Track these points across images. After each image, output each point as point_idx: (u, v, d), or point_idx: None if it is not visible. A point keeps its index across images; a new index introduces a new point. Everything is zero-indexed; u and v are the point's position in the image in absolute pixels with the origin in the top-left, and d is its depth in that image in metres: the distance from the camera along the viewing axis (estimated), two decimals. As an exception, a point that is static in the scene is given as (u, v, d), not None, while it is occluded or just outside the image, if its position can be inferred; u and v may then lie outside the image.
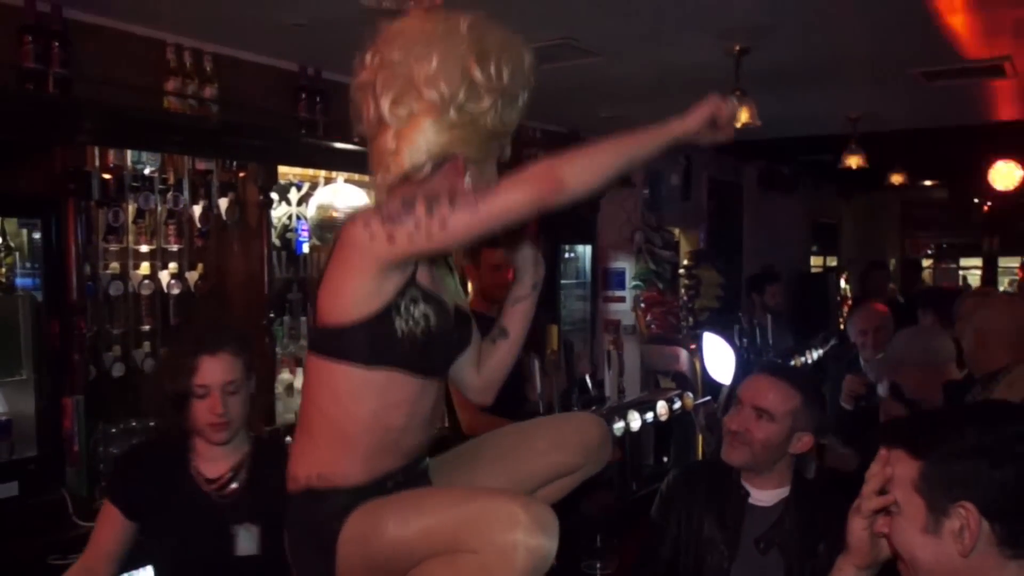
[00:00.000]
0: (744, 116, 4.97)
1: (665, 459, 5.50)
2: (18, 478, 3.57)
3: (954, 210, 13.75)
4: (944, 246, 15.50)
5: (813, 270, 13.00)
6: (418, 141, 1.85)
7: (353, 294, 1.82)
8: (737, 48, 4.85)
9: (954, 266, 15.44)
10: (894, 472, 1.64)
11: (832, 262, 13.84)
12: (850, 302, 11.01)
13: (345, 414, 1.89)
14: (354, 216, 1.84)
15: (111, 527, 2.58)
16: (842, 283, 12.03)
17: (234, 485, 2.58)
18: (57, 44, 3.86)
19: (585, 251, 7.54)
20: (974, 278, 14.37)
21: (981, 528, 1.54)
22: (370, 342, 1.83)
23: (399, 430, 1.93)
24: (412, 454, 2.00)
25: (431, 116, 1.84)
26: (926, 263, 15.24)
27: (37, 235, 3.81)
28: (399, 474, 1.97)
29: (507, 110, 1.90)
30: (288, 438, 3.55)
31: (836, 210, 13.83)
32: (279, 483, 2.17)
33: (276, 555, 2.25)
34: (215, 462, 2.59)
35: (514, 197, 1.71)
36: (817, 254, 13.61)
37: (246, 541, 2.51)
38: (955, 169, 10.73)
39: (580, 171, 1.73)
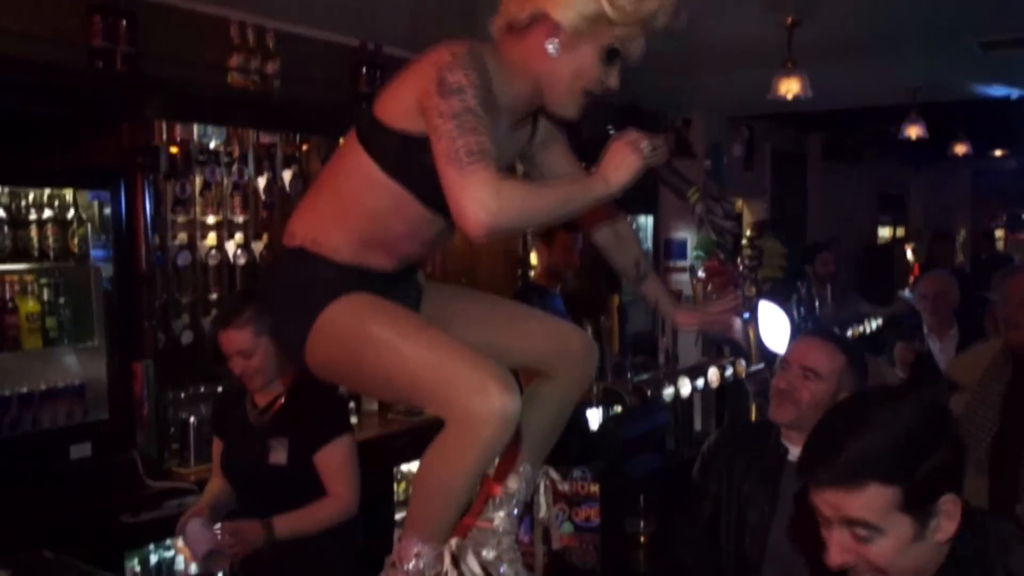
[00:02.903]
0: (795, 87, 4.93)
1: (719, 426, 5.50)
2: (91, 439, 3.71)
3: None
4: (1019, 216, 15.10)
5: (881, 242, 12.80)
6: None
7: (408, 106, 1.85)
8: (789, 20, 4.80)
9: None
10: (867, 504, 1.63)
11: (901, 233, 13.60)
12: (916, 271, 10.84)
13: (355, 198, 1.95)
14: (451, 42, 1.87)
15: (217, 446, 3.28)
16: (909, 254, 11.83)
17: (272, 410, 3.12)
18: (124, 22, 3.94)
19: (647, 221, 7.53)
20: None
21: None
22: (398, 155, 1.88)
23: (397, 236, 1.98)
24: (405, 262, 2.06)
25: None
26: (999, 233, 14.88)
27: (108, 209, 3.93)
28: (387, 277, 2.02)
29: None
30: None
31: (904, 181, 13.59)
32: (308, 413, 3.06)
33: (301, 465, 2.99)
34: (264, 395, 3.15)
35: (450, 176, 1.72)
36: (885, 224, 13.39)
37: (277, 452, 3.02)
38: (1020, 140, 10.48)
39: (514, 205, 1.72)
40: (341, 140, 4.69)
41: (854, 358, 2.79)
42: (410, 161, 1.86)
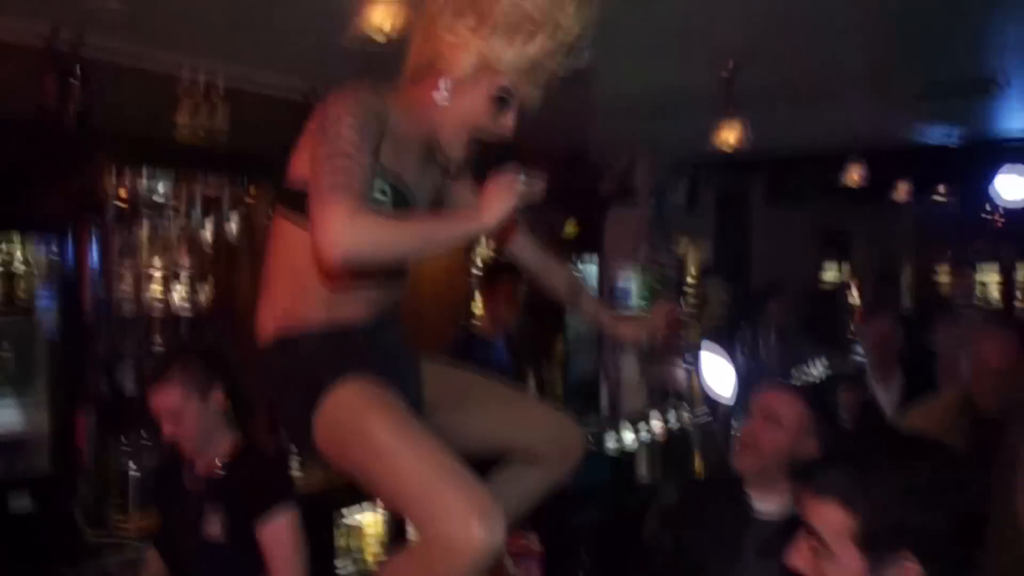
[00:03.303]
0: (734, 136, 5.03)
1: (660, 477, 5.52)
2: (31, 491, 3.70)
3: (967, 221, 13.63)
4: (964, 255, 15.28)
5: (825, 283, 12.95)
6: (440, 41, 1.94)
7: (309, 158, 1.91)
8: (729, 68, 4.90)
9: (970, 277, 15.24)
10: (824, 519, 1.65)
11: (846, 272, 13.76)
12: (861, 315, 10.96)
13: (299, 265, 1.99)
14: (342, 89, 1.94)
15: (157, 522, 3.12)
16: (854, 295, 11.98)
17: (210, 479, 2.90)
18: (73, 79, 3.99)
19: (592, 268, 7.61)
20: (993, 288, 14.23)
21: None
22: None
23: (351, 283, 2.02)
24: (376, 308, 2.10)
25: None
26: (942, 274, 15.08)
27: (55, 256, 3.95)
28: (365, 328, 2.06)
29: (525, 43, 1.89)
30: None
31: (847, 222, 13.77)
32: (248, 479, 2.84)
33: (240, 539, 2.77)
34: (202, 461, 2.92)
35: (311, 208, 1.77)
36: (830, 265, 13.55)
37: (213, 523, 2.81)
38: (961, 181, 10.69)
39: (366, 236, 1.74)
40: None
41: (814, 406, 2.81)
42: None
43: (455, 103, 1.98)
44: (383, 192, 1.96)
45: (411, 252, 1.90)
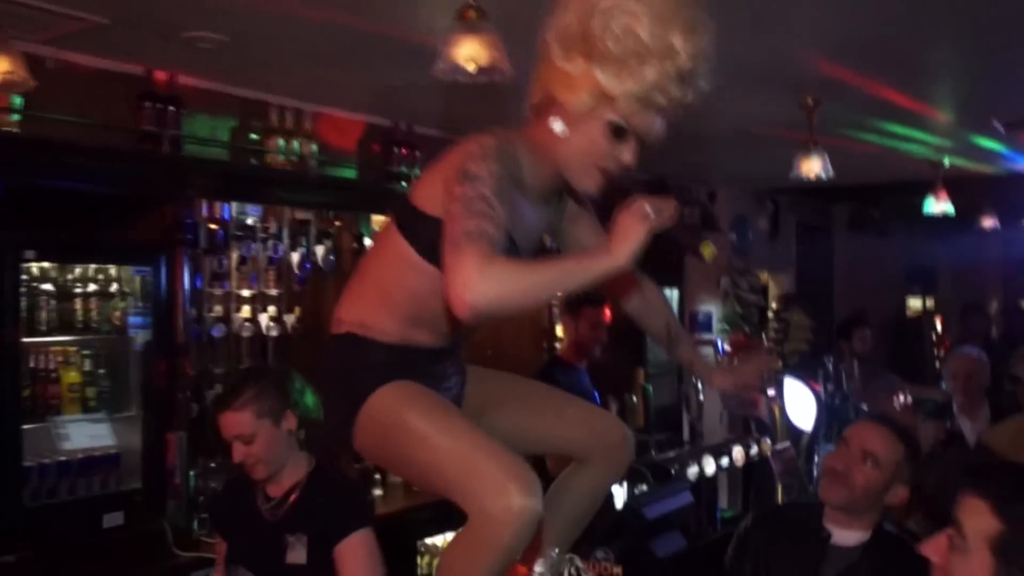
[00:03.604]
0: (816, 167, 5.02)
1: (744, 506, 5.49)
2: (124, 508, 3.81)
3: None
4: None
5: (911, 313, 12.75)
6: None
7: (438, 193, 1.91)
8: (810, 101, 4.91)
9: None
10: (973, 516, 1.64)
11: (931, 304, 13.53)
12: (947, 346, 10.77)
13: (397, 282, 2.03)
14: (480, 134, 1.95)
15: (220, 548, 2.98)
16: (938, 326, 11.76)
17: (287, 504, 2.84)
18: (171, 108, 4.15)
19: (672, 294, 7.60)
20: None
21: None
22: (432, 239, 1.87)
23: (436, 314, 2.04)
24: (445, 337, 2.13)
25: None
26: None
27: (149, 282, 4.08)
28: (431, 351, 2.11)
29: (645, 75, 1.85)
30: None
31: (932, 252, 13.55)
32: (326, 504, 2.79)
33: (321, 564, 2.72)
34: (275, 486, 2.87)
35: (445, 257, 1.75)
36: (915, 295, 13.35)
37: (296, 550, 2.76)
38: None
39: (499, 284, 1.70)
40: (372, 216, 4.92)
41: (912, 451, 2.75)
42: (441, 243, 1.90)
43: (574, 136, 1.95)
44: None
45: (544, 297, 1.89)
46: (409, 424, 1.96)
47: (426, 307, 2.04)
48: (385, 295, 2.07)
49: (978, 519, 1.63)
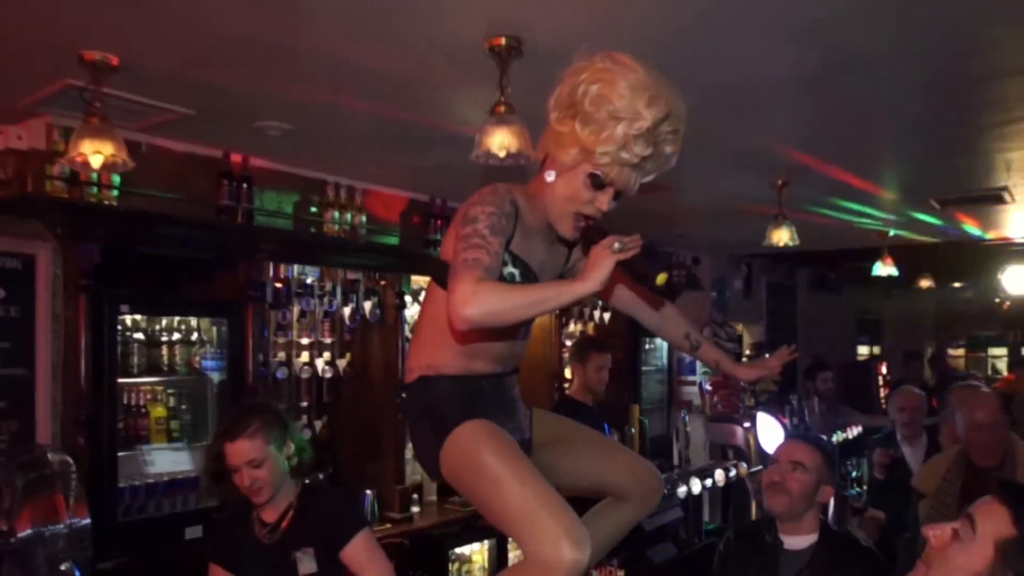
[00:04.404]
0: (785, 236, 5.01)
1: (724, 519, 5.44)
2: (202, 523, 3.76)
3: (980, 308, 13.34)
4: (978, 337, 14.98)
5: (860, 358, 12.66)
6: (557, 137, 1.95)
7: (451, 241, 1.93)
8: (780, 181, 4.91)
9: (983, 355, 14.93)
10: (990, 517, 1.60)
11: (877, 351, 13.47)
12: (890, 386, 10.68)
13: (445, 325, 1.97)
14: (484, 186, 1.96)
15: (215, 573, 2.78)
16: (884, 370, 11.67)
17: (284, 524, 2.70)
18: (245, 185, 4.16)
19: (663, 343, 7.54)
20: (1001, 364, 13.93)
21: None
22: None
23: (485, 342, 2.03)
24: (501, 363, 2.10)
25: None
26: (960, 352, 14.75)
27: (224, 329, 4.09)
28: (492, 377, 2.09)
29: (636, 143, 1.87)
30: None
31: (878, 307, 13.51)
32: (323, 515, 2.67)
33: (331, 569, 2.61)
34: (270, 510, 2.72)
35: (449, 280, 1.81)
36: (864, 343, 13.29)
37: (305, 563, 2.63)
38: (976, 274, 10.48)
39: (487, 301, 1.74)
40: (412, 277, 4.89)
41: (828, 456, 2.85)
42: None
43: (560, 184, 1.97)
44: (511, 276, 1.98)
45: (530, 313, 1.85)
46: (484, 464, 1.90)
47: (474, 338, 2.02)
48: (440, 338, 2.04)
49: (995, 522, 1.59)
